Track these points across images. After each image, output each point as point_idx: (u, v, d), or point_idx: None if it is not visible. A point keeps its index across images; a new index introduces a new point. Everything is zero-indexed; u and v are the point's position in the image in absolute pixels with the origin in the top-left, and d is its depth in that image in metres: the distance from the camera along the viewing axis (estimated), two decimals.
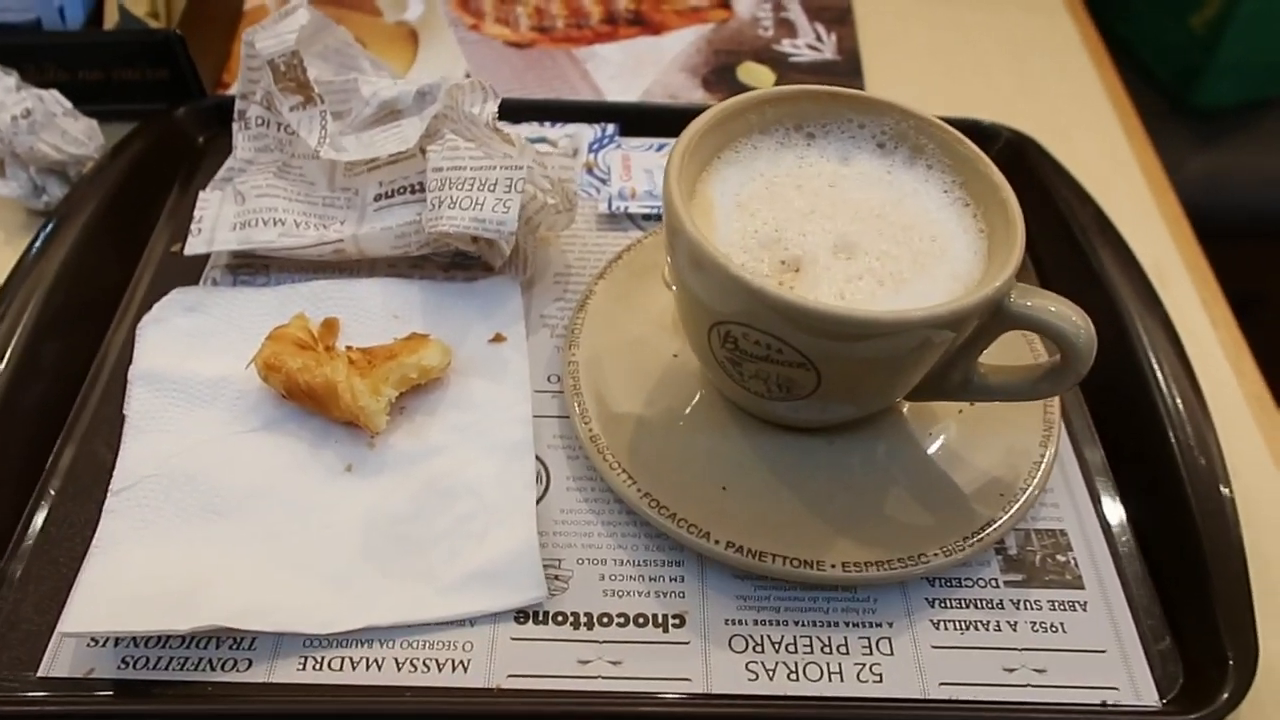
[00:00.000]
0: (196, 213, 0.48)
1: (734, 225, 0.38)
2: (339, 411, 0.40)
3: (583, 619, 0.37)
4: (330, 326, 0.45)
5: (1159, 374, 0.43)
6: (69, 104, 0.52)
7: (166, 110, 0.56)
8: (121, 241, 0.50)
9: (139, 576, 0.36)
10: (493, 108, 0.46)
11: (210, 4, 0.61)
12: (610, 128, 0.57)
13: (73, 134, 0.52)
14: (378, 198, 0.48)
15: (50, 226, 0.48)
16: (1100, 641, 0.38)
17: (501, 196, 0.43)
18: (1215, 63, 1.01)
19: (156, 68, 0.56)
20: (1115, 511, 0.42)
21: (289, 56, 0.47)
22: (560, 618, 0.37)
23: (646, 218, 0.53)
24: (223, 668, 0.35)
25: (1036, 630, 0.38)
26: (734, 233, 0.37)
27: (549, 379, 0.45)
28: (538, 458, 0.42)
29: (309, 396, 0.40)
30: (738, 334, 0.35)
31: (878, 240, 0.37)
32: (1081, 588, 0.39)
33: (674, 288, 0.40)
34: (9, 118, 0.49)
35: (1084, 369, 0.35)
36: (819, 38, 0.66)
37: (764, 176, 0.39)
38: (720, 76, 0.63)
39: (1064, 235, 0.50)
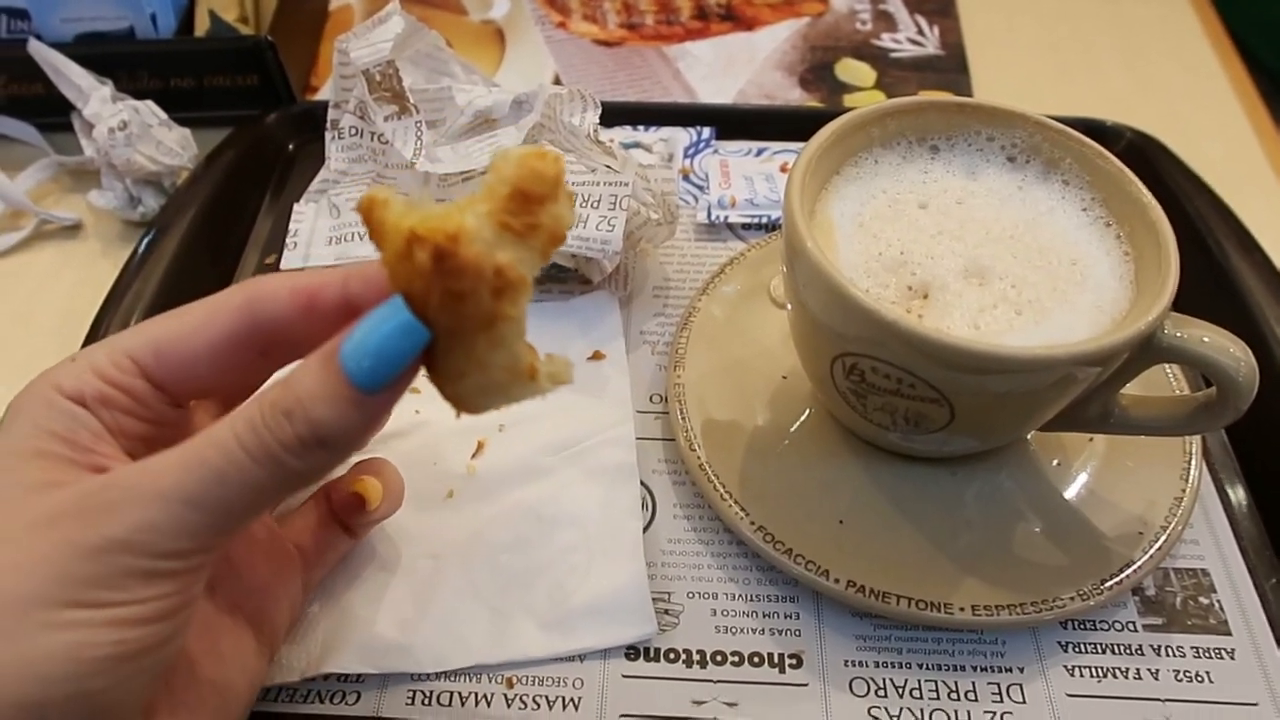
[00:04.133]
0: (291, 225, 0.48)
1: (856, 247, 0.36)
2: (454, 278, 0.23)
3: (695, 656, 0.36)
4: None
5: None
6: (164, 114, 0.52)
7: (258, 117, 0.55)
8: (218, 253, 0.50)
9: None
10: (593, 118, 0.44)
11: (298, 7, 0.61)
12: (706, 131, 0.55)
13: (167, 144, 0.51)
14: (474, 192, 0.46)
15: (150, 238, 0.48)
16: (1250, 693, 0.35)
17: (606, 214, 0.41)
18: None
19: (247, 74, 0.56)
20: (1262, 550, 0.39)
21: (384, 65, 0.46)
22: (672, 655, 0.36)
23: (747, 227, 0.51)
24: (330, 700, 0.35)
25: (1180, 680, 0.35)
26: (856, 255, 0.35)
27: (651, 399, 0.44)
28: (642, 483, 0.41)
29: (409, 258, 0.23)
30: (865, 366, 0.33)
31: (1012, 264, 0.35)
32: (1228, 633, 0.36)
33: (789, 309, 0.38)
34: (106, 130, 0.49)
35: (1244, 406, 0.33)
36: (921, 31, 0.63)
37: (886, 194, 0.37)
38: (818, 74, 0.61)
39: (1198, 248, 0.46)
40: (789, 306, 0.38)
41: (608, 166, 0.44)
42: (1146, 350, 0.32)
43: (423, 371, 0.25)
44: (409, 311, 0.23)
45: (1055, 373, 0.31)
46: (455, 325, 0.24)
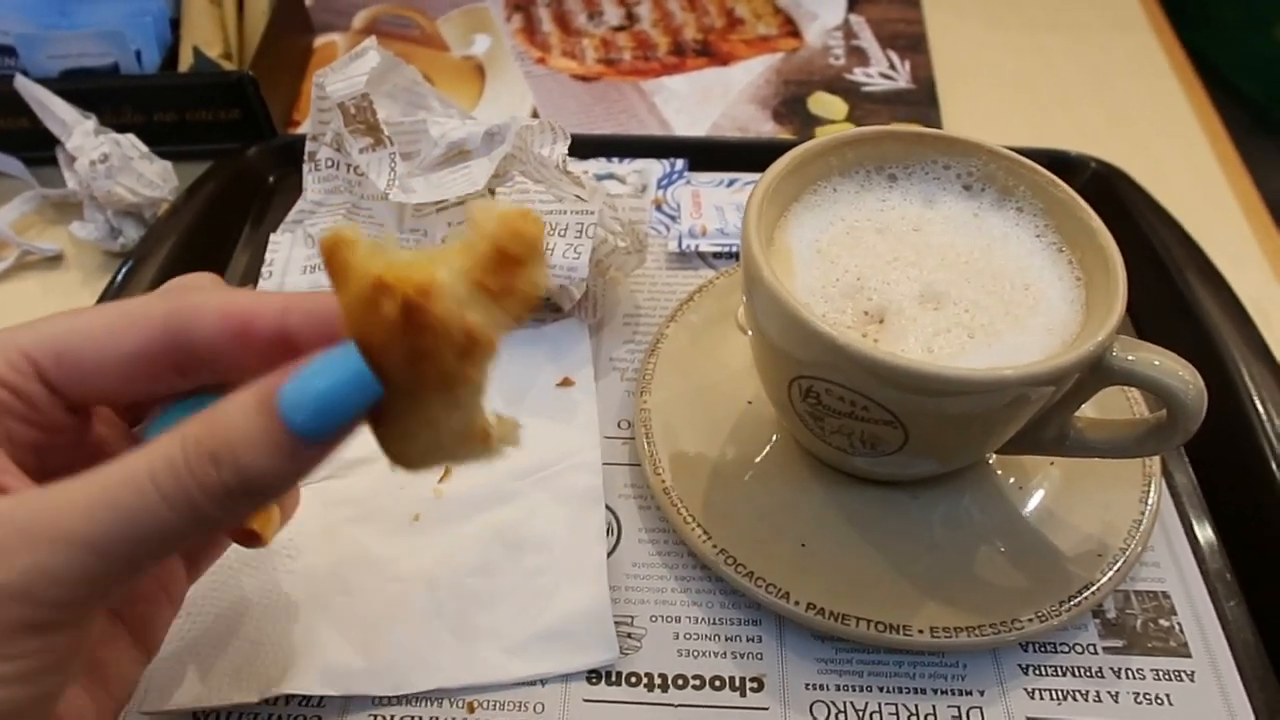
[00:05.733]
0: (268, 255, 0.48)
1: (814, 273, 0.36)
2: (429, 335, 0.21)
3: (657, 680, 0.36)
4: None
5: (1267, 424, 0.41)
6: (145, 148, 0.53)
7: (239, 150, 0.56)
8: None
9: (212, 644, 0.36)
10: (563, 149, 0.45)
11: (281, 44, 0.62)
12: (679, 163, 0.56)
13: (148, 177, 0.52)
14: (446, 239, 0.47)
15: (126, 269, 0.49)
16: (1211, 715, 0.35)
17: (572, 242, 0.42)
18: None
19: (229, 108, 0.57)
20: (1222, 573, 0.39)
21: (359, 99, 0.47)
22: (634, 678, 0.36)
23: (718, 256, 0.51)
24: None
25: (1140, 702, 0.35)
26: (814, 281, 0.36)
27: (619, 424, 0.44)
28: (608, 507, 0.41)
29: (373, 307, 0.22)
30: (820, 389, 0.34)
31: (966, 289, 0.35)
32: (1188, 655, 0.37)
33: (750, 335, 0.38)
34: (88, 162, 0.50)
35: (1193, 427, 0.33)
36: (892, 66, 0.64)
37: (844, 221, 0.38)
38: (791, 108, 0.62)
39: (1159, 275, 0.47)
40: (749, 332, 0.38)
41: (577, 196, 0.44)
42: (1097, 372, 0.33)
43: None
44: (363, 362, 0.21)
45: (1006, 394, 0.32)
46: (412, 383, 0.22)
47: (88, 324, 0.25)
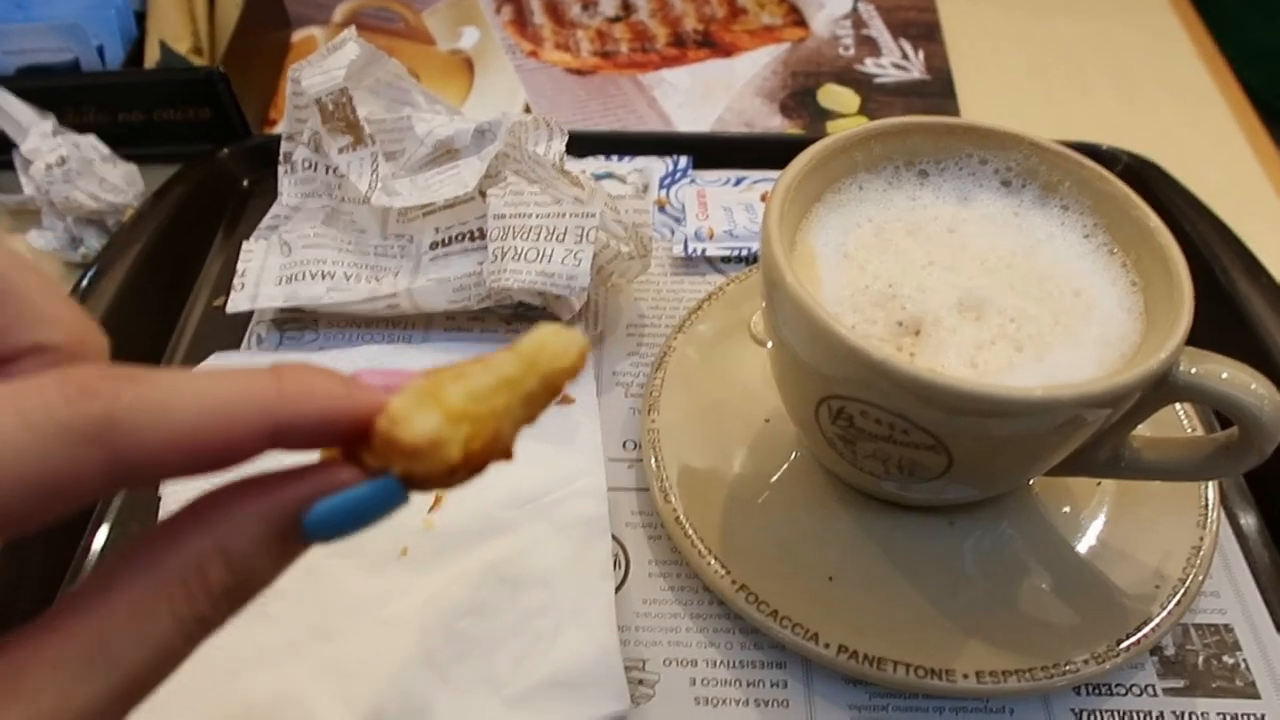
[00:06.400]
0: (240, 265, 0.44)
1: (841, 280, 0.33)
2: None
3: None
4: None
5: None
6: (107, 149, 0.49)
7: (210, 152, 0.53)
8: (162, 296, 0.47)
9: (182, 704, 0.32)
10: (559, 147, 0.42)
11: (256, 38, 0.58)
12: (682, 160, 0.52)
13: (111, 181, 0.49)
14: (434, 245, 0.43)
15: (86, 281, 0.45)
16: None
17: (572, 248, 0.38)
18: None
19: (199, 107, 0.53)
20: None
21: (337, 94, 0.43)
22: None
23: (726, 260, 0.48)
24: None
25: None
26: (841, 288, 0.32)
27: (624, 445, 0.41)
28: (614, 538, 0.38)
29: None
30: (854, 411, 0.30)
31: (1010, 295, 0.32)
32: (1257, 697, 0.33)
33: (770, 348, 0.35)
34: (44, 165, 0.46)
35: (1270, 447, 0.30)
36: (905, 56, 0.61)
37: (872, 222, 0.34)
38: (799, 101, 0.58)
39: (1203, 275, 0.43)
40: (770, 345, 0.35)
41: (575, 198, 0.41)
42: (1160, 388, 0.30)
43: None
44: (403, 490, 0.21)
45: (1061, 415, 0.28)
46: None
47: None
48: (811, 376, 0.31)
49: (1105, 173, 0.34)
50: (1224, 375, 0.30)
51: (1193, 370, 0.30)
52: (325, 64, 0.44)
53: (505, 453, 0.22)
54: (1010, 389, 0.27)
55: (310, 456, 0.22)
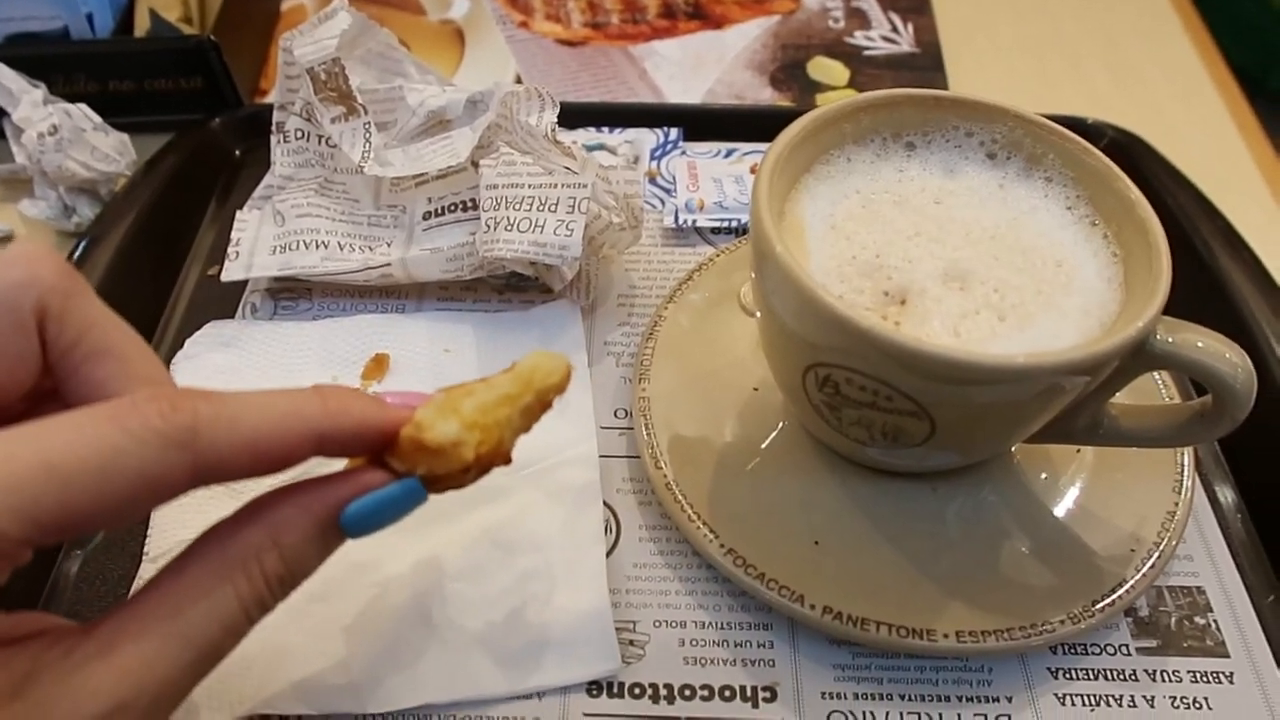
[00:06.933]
0: (234, 234, 0.45)
1: (828, 250, 0.33)
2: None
3: (662, 691, 0.34)
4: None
5: None
6: (98, 118, 0.49)
7: (201, 121, 0.53)
8: (156, 264, 0.47)
9: None
10: (551, 118, 0.42)
11: (245, 7, 0.58)
12: (673, 132, 0.52)
13: (103, 150, 0.49)
14: (427, 215, 0.44)
15: (80, 250, 0.45)
16: (1252, 719, 0.33)
17: (564, 218, 0.39)
18: None
19: (190, 76, 0.53)
20: (1258, 566, 0.37)
21: (329, 64, 0.43)
22: (637, 690, 0.34)
23: (716, 231, 0.48)
24: None
25: (1177, 707, 0.33)
26: (829, 259, 0.33)
27: (616, 414, 0.41)
28: (606, 504, 0.38)
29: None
30: (839, 378, 0.31)
31: (994, 266, 0.33)
32: (1226, 656, 0.34)
33: (759, 317, 0.36)
34: (35, 134, 0.46)
35: (1241, 415, 0.31)
36: (895, 29, 0.61)
37: (860, 193, 0.35)
38: (789, 73, 0.59)
39: (1185, 249, 0.45)
40: (758, 314, 0.35)
41: (567, 168, 0.41)
42: (1138, 357, 0.30)
43: None
44: (425, 491, 0.26)
45: (1041, 382, 0.29)
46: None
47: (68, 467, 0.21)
48: (799, 345, 0.32)
49: (1089, 146, 0.34)
50: (1199, 344, 0.30)
51: (1169, 339, 0.30)
52: (317, 33, 0.44)
53: (506, 458, 0.27)
54: (992, 356, 0.28)
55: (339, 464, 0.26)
